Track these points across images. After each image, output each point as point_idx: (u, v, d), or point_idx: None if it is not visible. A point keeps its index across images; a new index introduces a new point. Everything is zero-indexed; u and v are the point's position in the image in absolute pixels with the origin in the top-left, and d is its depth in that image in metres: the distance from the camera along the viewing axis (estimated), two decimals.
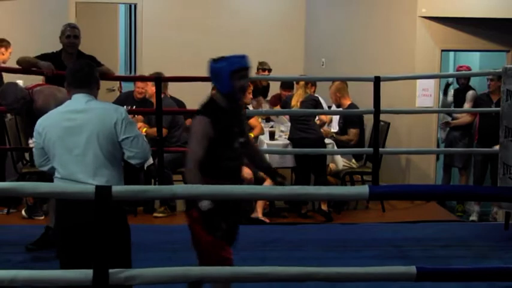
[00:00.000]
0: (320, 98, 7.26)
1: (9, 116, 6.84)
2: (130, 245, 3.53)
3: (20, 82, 7.25)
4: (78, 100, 3.54)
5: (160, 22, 10.04)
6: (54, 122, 3.51)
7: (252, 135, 7.18)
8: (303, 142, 6.86)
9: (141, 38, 10.19)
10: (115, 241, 3.25)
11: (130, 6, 11.52)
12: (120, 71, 10.92)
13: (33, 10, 8.91)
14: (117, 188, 2.99)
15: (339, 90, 7.36)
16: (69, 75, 3.62)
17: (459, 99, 7.92)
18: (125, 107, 7.68)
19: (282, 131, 7.64)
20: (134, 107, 7.73)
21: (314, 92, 7.38)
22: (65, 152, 3.45)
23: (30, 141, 6.65)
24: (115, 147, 3.45)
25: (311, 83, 7.32)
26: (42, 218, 6.46)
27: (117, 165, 3.49)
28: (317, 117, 7.38)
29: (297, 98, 7.05)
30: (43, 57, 6.00)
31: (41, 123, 3.56)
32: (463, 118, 7.91)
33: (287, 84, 8.08)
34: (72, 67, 3.69)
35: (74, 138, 3.44)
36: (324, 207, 6.90)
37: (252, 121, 7.25)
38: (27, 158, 6.92)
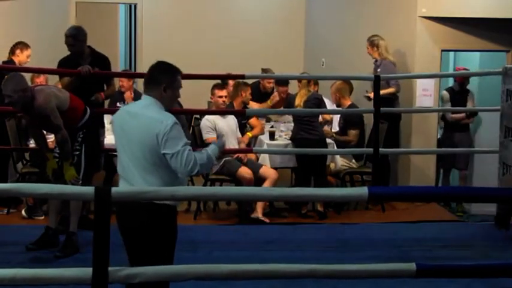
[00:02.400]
0: (323, 97, 7.25)
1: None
2: (175, 245, 3.53)
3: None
4: (139, 103, 3.57)
5: (160, 22, 10.05)
6: (117, 119, 3.58)
7: (250, 135, 7.19)
8: (306, 143, 6.82)
9: (141, 38, 10.19)
10: (161, 240, 3.37)
11: (130, 6, 11.52)
12: (120, 70, 10.91)
13: (33, 10, 8.92)
14: (117, 189, 2.99)
15: (339, 90, 7.36)
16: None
17: (456, 100, 7.87)
18: (118, 103, 7.83)
19: (281, 131, 7.64)
20: (125, 102, 7.90)
21: (317, 91, 7.39)
22: (120, 150, 3.52)
23: (30, 141, 6.66)
24: (159, 157, 3.41)
25: (313, 81, 7.32)
26: (42, 218, 6.46)
27: (163, 171, 3.43)
28: (320, 116, 7.37)
29: (300, 97, 6.99)
30: (63, 62, 6.13)
31: (114, 117, 3.63)
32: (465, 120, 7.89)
33: (282, 80, 8.09)
34: (148, 68, 3.66)
35: (124, 140, 3.48)
36: (320, 208, 6.90)
37: (252, 121, 7.25)
38: (27, 158, 6.91)
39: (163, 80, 3.52)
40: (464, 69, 8.08)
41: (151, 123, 3.40)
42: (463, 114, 7.83)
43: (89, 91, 5.98)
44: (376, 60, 7.80)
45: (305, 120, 6.94)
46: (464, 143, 7.78)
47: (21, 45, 7.31)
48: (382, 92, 6.84)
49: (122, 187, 3.47)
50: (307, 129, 6.92)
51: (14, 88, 5.03)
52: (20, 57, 7.24)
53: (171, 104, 3.60)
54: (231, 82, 7.41)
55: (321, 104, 7.09)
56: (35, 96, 5.14)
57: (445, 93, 7.95)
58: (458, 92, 7.89)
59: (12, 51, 7.26)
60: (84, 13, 9.90)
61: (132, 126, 3.45)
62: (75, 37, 6.04)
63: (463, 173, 7.96)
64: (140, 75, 9.06)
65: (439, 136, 8.18)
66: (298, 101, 6.97)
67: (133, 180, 3.42)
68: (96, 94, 6.03)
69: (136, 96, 8.14)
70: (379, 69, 7.66)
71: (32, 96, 5.14)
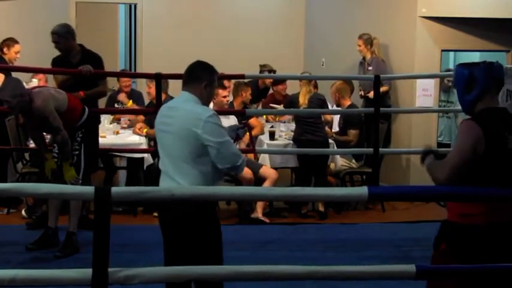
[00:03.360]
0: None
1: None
2: (221, 244, 3.56)
3: (35, 81, 7.32)
4: (179, 98, 3.62)
5: (160, 22, 10.05)
6: (159, 115, 3.63)
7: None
8: (310, 144, 6.79)
9: (141, 38, 10.19)
10: (205, 240, 3.43)
11: (130, 6, 11.52)
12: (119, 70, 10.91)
13: (33, 10, 8.92)
14: (117, 189, 2.99)
15: (339, 90, 7.35)
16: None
17: None
18: (116, 105, 7.85)
19: (281, 131, 7.63)
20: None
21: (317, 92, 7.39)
22: (161, 146, 3.57)
23: (30, 141, 6.65)
24: (199, 150, 3.42)
25: (314, 82, 7.32)
26: None
27: (204, 165, 3.45)
28: (322, 117, 7.34)
29: (303, 96, 6.98)
30: (55, 60, 6.13)
31: (158, 113, 3.66)
32: None
33: (279, 79, 8.11)
34: (187, 66, 3.70)
35: (166, 136, 3.52)
36: (321, 208, 6.90)
37: (252, 121, 7.25)
38: (27, 158, 6.92)
39: (205, 77, 3.59)
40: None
41: (192, 116, 3.44)
42: None
43: (80, 89, 5.97)
44: (364, 58, 7.83)
45: (309, 121, 6.90)
46: None
47: (8, 41, 7.30)
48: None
49: (162, 183, 3.54)
50: (312, 131, 6.89)
51: (11, 93, 5.03)
52: (9, 55, 7.23)
53: (208, 101, 3.67)
54: (226, 83, 7.38)
55: (324, 105, 7.07)
56: (33, 99, 5.14)
57: None
58: None
59: (0, 49, 7.25)
60: (84, 13, 9.91)
61: (172, 120, 3.50)
62: (59, 34, 6.00)
63: None
64: (139, 75, 9.09)
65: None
66: (303, 100, 6.91)
67: (174, 174, 3.46)
68: (75, 93, 5.91)
69: (134, 96, 8.16)
70: (370, 68, 7.69)
71: (30, 99, 5.13)
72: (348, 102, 7.34)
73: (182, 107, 3.52)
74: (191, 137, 3.42)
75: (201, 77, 3.59)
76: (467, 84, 3.22)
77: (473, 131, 3.09)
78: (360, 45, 7.88)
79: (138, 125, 7.29)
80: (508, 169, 3.15)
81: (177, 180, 3.45)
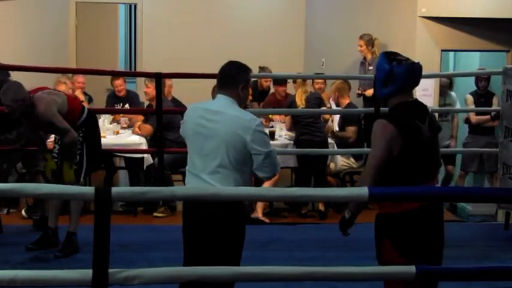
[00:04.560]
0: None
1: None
2: (242, 246, 3.58)
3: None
4: (218, 101, 3.52)
5: (160, 22, 10.05)
6: (193, 116, 3.54)
7: None
8: (309, 145, 6.79)
9: (141, 38, 10.19)
10: (228, 241, 3.44)
11: (130, 6, 11.53)
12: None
13: (33, 10, 8.91)
14: (117, 189, 2.99)
15: (339, 90, 7.36)
16: (218, 75, 3.60)
17: (482, 104, 7.69)
18: (116, 105, 7.84)
19: (281, 130, 7.63)
20: (121, 104, 7.87)
21: (323, 90, 7.39)
22: (195, 149, 3.49)
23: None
24: (243, 157, 3.41)
25: (324, 81, 7.35)
26: None
27: (244, 172, 3.45)
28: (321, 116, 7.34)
29: (299, 97, 6.98)
30: None
31: (186, 113, 3.60)
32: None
33: (280, 80, 8.10)
34: (221, 68, 3.63)
35: (204, 139, 3.45)
36: (321, 207, 6.90)
37: None
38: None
39: (241, 79, 3.54)
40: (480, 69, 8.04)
41: (241, 122, 3.40)
42: (487, 117, 7.67)
43: None
44: (365, 58, 7.85)
45: (309, 121, 6.92)
46: (491, 146, 7.38)
47: None
48: (371, 91, 6.87)
49: (188, 184, 3.51)
50: (312, 131, 6.90)
51: (13, 98, 5.03)
52: None
53: (245, 102, 3.66)
54: None
55: (322, 103, 7.09)
56: (35, 104, 5.14)
57: (468, 96, 7.82)
58: (483, 95, 7.79)
59: None
60: (84, 13, 9.91)
61: (215, 125, 3.43)
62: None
63: (496, 175, 7.78)
64: (139, 74, 9.07)
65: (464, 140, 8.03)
66: (300, 102, 6.95)
67: (210, 178, 3.42)
68: None
69: (130, 96, 8.13)
70: (370, 67, 7.69)
71: (32, 104, 5.13)
72: (347, 101, 7.34)
73: (227, 112, 3.45)
74: (238, 144, 3.38)
75: (237, 79, 3.53)
76: (386, 78, 3.36)
77: (386, 130, 3.23)
78: (361, 46, 7.90)
79: (137, 124, 7.28)
80: (426, 156, 3.32)
81: (211, 183, 3.40)
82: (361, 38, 7.93)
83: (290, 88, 8.31)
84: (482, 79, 7.75)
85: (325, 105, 7.31)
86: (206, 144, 3.44)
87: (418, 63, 3.46)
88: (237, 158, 3.40)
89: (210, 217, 3.41)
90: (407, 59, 3.45)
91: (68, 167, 5.37)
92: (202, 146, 3.46)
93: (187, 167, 3.57)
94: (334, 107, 7.65)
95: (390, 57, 3.42)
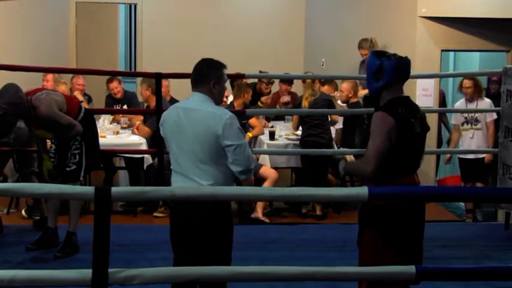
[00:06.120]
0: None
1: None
2: (232, 244, 3.62)
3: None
4: (193, 99, 3.58)
5: (160, 22, 10.05)
6: (170, 116, 3.61)
7: (250, 135, 7.18)
8: (314, 146, 6.75)
9: (141, 38, 10.19)
10: (218, 239, 3.48)
11: (130, 6, 11.53)
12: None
13: (33, 10, 8.92)
14: (117, 189, 2.99)
15: (354, 88, 7.22)
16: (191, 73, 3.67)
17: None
18: (115, 106, 7.83)
19: (282, 130, 7.63)
20: (120, 105, 7.86)
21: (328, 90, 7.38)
22: (177, 147, 3.55)
23: None
24: (218, 152, 3.46)
25: (319, 81, 7.31)
26: None
27: (222, 167, 3.50)
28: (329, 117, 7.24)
29: (305, 99, 6.90)
30: None
31: (163, 116, 3.67)
32: None
33: (286, 79, 8.10)
34: (194, 66, 3.70)
35: (182, 137, 3.52)
36: (318, 212, 6.90)
37: (252, 121, 7.25)
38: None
39: (212, 76, 3.59)
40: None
41: (213, 117, 3.46)
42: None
43: None
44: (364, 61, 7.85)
45: (316, 122, 6.88)
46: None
47: None
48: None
49: (175, 183, 3.57)
50: (319, 133, 6.87)
51: (9, 100, 4.97)
52: None
53: (220, 98, 3.68)
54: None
55: (332, 105, 6.99)
56: (34, 105, 5.11)
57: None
58: (493, 96, 7.67)
59: None
60: (84, 13, 9.91)
61: (190, 122, 3.50)
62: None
63: None
64: (139, 74, 9.06)
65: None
66: (305, 103, 6.88)
67: (194, 175, 3.48)
68: None
69: (127, 96, 8.12)
70: None
71: (31, 106, 5.11)
72: (355, 99, 7.27)
73: (200, 108, 3.51)
74: (211, 138, 3.44)
75: (208, 76, 3.59)
76: (376, 73, 3.51)
77: (386, 121, 3.39)
78: (365, 54, 7.78)
79: (136, 125, 7.28)
80: (415, 151, 3.55)
81: (196, 180, 3.47)
82: (361, 47, 7.87)
83: (294, 88, 8.31)
84: (493, 82, 7.72)
85: (335, 107, 7.21)
86: (184, 142, 3.51)
87: (406, 57, 3.58)
88: (212, 153, 3.46)
89: (199, 216, 3.46)
90: (395, 54, 3.58)
91: (47, 158, 5.41)
92: (181, 144, 3.53)
93: (171, 166, 3.63)
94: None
95: (379, 54, 3.59)
